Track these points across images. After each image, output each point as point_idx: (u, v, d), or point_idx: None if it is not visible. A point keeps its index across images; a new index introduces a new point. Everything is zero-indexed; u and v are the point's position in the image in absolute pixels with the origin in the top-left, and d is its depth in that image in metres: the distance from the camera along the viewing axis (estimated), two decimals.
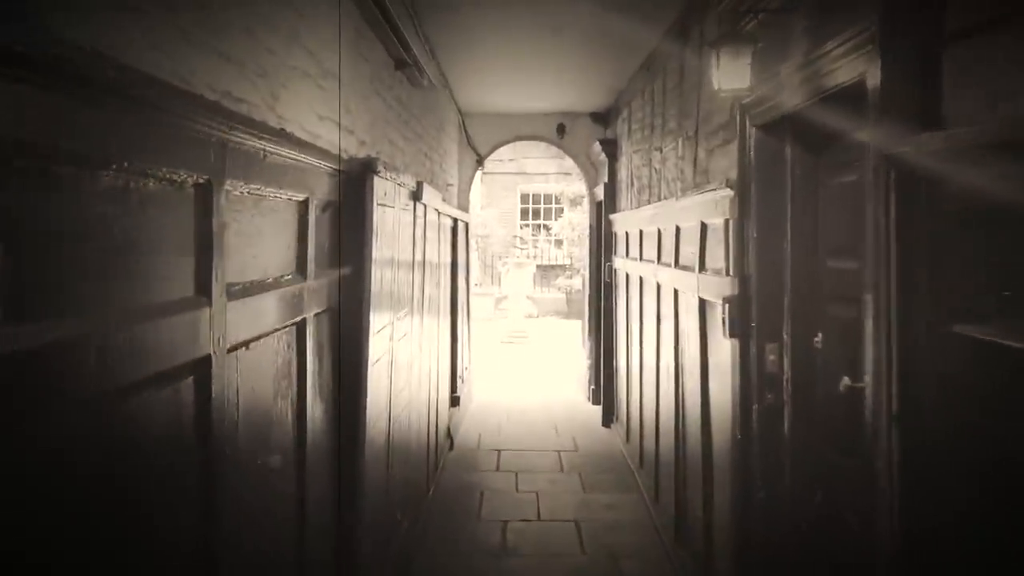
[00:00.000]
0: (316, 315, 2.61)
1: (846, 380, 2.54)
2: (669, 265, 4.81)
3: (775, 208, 3.02)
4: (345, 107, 3.15)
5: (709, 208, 3.66)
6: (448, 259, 7.35)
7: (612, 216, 7.86)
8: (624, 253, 7.03)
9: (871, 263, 2.02)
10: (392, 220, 3.56)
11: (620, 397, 7.55)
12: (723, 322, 3.22)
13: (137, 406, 1.43)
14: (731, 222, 3.23)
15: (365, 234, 3.02)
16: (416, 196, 4.29)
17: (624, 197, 7.41)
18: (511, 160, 20.66)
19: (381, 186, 3.21)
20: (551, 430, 7.82)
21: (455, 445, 7.14)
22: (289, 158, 2.28)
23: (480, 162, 9.12)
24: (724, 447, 3.51)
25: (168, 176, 1.55)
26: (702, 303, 3.83)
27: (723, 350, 3.46)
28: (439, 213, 5.99)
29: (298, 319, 2.38)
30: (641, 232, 6.08)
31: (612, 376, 7.91)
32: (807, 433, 2.98)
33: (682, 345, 4.48)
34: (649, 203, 5.95)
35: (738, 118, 3.14)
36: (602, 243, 8.21)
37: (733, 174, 3.36)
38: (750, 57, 2.76)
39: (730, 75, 2.78)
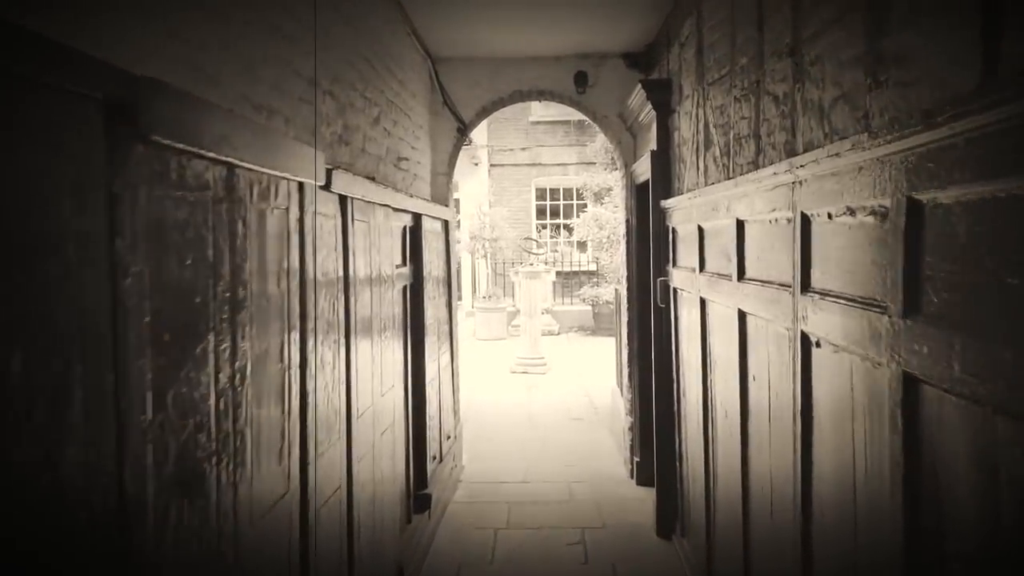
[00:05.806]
0: None
1: None
2: (871, 305, 1.92)
3: None
4: None
5: None
6: (406, 271, 4.52)
7: (666, 203, 4.96)
8: (695, 264, 4.12)
9: None
10: None
11: (690, 493, 4.63)
12: None
13: None
14: None
15: None
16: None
17: (689, 169, 4.50)
18: (524, 149, 17.77)
19: None
20: (577, 547, 4.91)
21: None
22: None
23: (463, 132, 6.24)
24: None
25: None
26: None
27: None
28: (373, 205, 3.15)
29: None
30: (740, 224, 3.20)
31: (675, 458, 4.98)
32: None
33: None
34: (757, 167, 3.06)
35: None
36: (649, 245, 5.31)
37: None
38: None
39: None
